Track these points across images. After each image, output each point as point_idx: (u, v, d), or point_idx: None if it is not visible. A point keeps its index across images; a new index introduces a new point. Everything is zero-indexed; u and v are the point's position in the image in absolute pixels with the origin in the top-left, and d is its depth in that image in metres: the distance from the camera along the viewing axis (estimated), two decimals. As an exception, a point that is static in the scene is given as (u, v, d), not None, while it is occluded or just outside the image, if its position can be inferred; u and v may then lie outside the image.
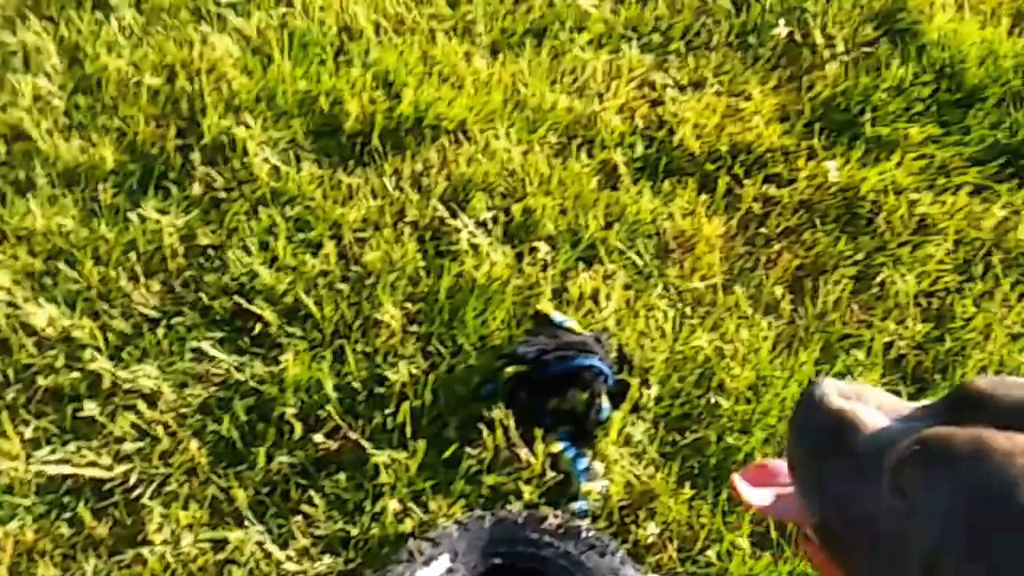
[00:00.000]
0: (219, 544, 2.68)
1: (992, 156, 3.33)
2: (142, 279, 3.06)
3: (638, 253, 3.09)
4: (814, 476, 2.05)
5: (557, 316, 2.96)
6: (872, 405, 2.03)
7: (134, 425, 2.81)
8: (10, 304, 3.00)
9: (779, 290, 3.03)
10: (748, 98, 3.45)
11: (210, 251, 3.13)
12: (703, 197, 3.23)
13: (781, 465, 2.21)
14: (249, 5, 3.73)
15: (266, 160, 3.27)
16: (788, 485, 2.18)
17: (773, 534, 2.64)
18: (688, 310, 3.00)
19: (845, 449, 1.99)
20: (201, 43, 3.57)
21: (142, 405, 2.84)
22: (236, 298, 3.03)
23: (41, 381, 2.88)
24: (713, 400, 2.82)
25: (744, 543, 2.60)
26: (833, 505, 2.02)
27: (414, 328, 2.98)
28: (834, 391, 1.99)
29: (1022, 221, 3.16)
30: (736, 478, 2.25)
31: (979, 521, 1.80)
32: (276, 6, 3.74)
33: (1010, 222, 3.17)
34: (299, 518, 2.69)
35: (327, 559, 2.65)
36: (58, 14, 3.67)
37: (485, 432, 2.76)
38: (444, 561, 2.56)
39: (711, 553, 2.61)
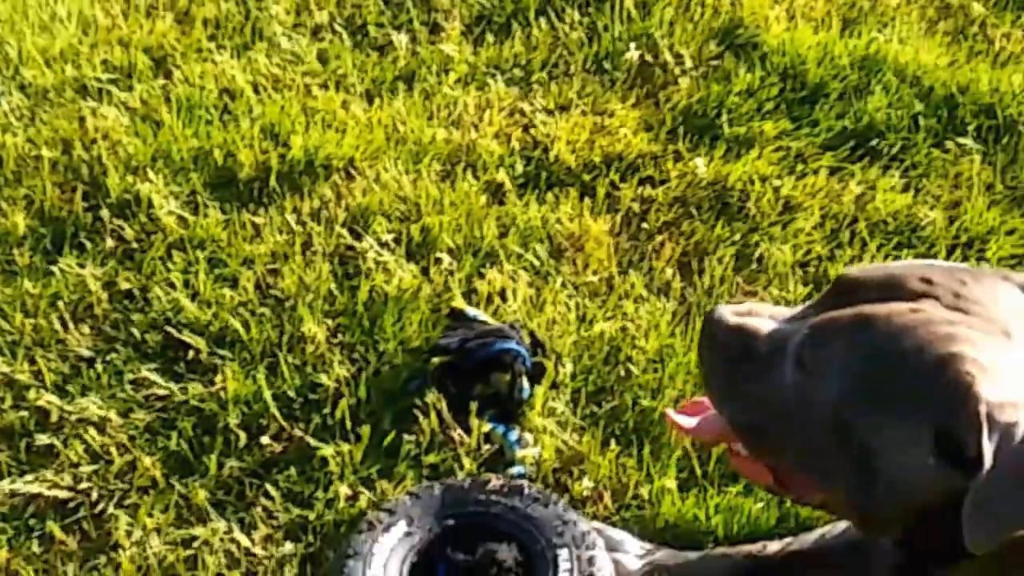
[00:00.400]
0: (187, 541, 2.95)
1: (842, 142, 3.80)
2: (71, 325, 3.34)
3: (535, 255, 3.47)
4: (727, 387, 2.47)
5: (471, 311, 3.33)
6: (764, 316, 2.46)
7: (87, 450, 3.08)
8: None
9: (669, 271, 3.44)
10: (612, 115, 3.88)
11: (134, 293, 3.43)
12: (586, 202, 3.63)
13: (707, 400, 2.62)
14: (130, 80, 4.06)
15: (171, 212, 3.58)
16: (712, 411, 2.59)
17: (698, 472, 3.02)
18: (588, 299, 3.39)
19: (749, 355, 2.41)
20: (92, 115, 3.88)
21: (92, 432, 3.10)
22: (166, 328, 3.33)
23: (-11, 421, 3.15)
24: (623, 372, 3.21)
25: (672, 484, 2.98)
26: (749, 406, 2.44)
27: (338, 339, 3.31)
28: (728, 311, 2.43)
29: (879, 192, 3.63)
30: (669, 411, 2.65)
31: (870, 371, 2.22)
32: (155, 78, 4.07)
33: (867, 196, 3.63)
34: (258, 510, 2.98)
35: (289, 545, 2.93)
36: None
37: (420, 418, 3.09)
38: (402, 526, 2.87)
39: (643, 492, 2.97)
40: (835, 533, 2.83)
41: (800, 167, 3.73)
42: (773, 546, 2.88)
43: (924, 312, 2.29)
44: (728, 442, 2.63)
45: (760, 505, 2.93)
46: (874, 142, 3.85)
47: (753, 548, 2.89)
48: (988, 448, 2.16)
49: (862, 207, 3.61)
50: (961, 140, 3.85)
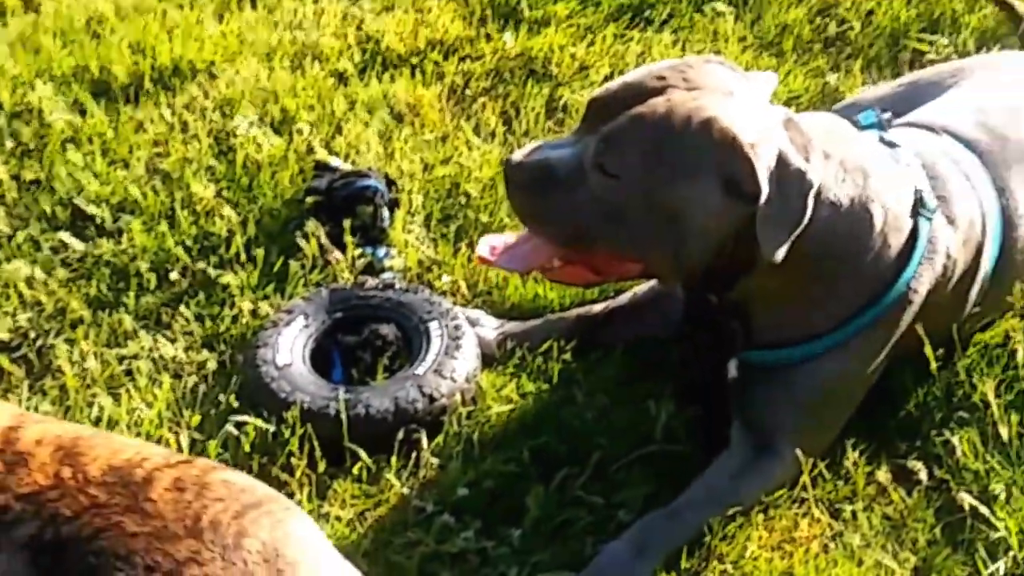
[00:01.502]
0: (121, 359, 3.56)
1: (621, 15, 4.63)
2: (-15, 213, 3.96)
3: (381, 121, 4.22)
4: (541, 213, 3.20)
5: (334, 161, 4.03)
6: (545, 149, 3.21)
7: (21, 300, 3.68)
8: None
9: (492, 123, 4.22)
10: (430, 11, 4.66)
11: (39, 180, 4.07)
12: (417, 77, 4.39)
13: (506, 236, 3.30)
14: (4, 17, 4.71)
15: (59, 117, 4.25)
16: (514, 244, 3.28)
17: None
18: (427, 150, 4.15)
19: (551, 182, 3.15)
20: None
21: (22, 287, 3.66)
22: (73, 203, 3.99)
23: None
24: (463, 200, 3.97)
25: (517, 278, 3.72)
26: (564, 221, 3.17)
27: (223, 196, 4.01)
28: (519, 154, 3.17)
29: (655, 50, 4.45)
30: (479, 248, 3.29)
31: (660, 155, 2.98)
32: (25, 14, 4.73)
33: (645, 53, 4.46)
34: (176, 328, 3.64)
35: (206, 352, 3.61)
36: None
37: (303, 244, 3.79)
38: (300, 321, 3.49)
39: (492, 279, 3.73)
40: (642, 291, 3.60)
41: (590, 36, 4.52)
42: (597, 307, 3.63)
43: (673, 97, 3.08)
44: (536, 268, 3.29)
45: (584, 282, 3.66)
46: (647, 13, 4.67)
47: (581, 311, 3.63)
48: (763, 176, 2.95)
49: (642, 61, 4.42)
50: (717, 5, 4.71)
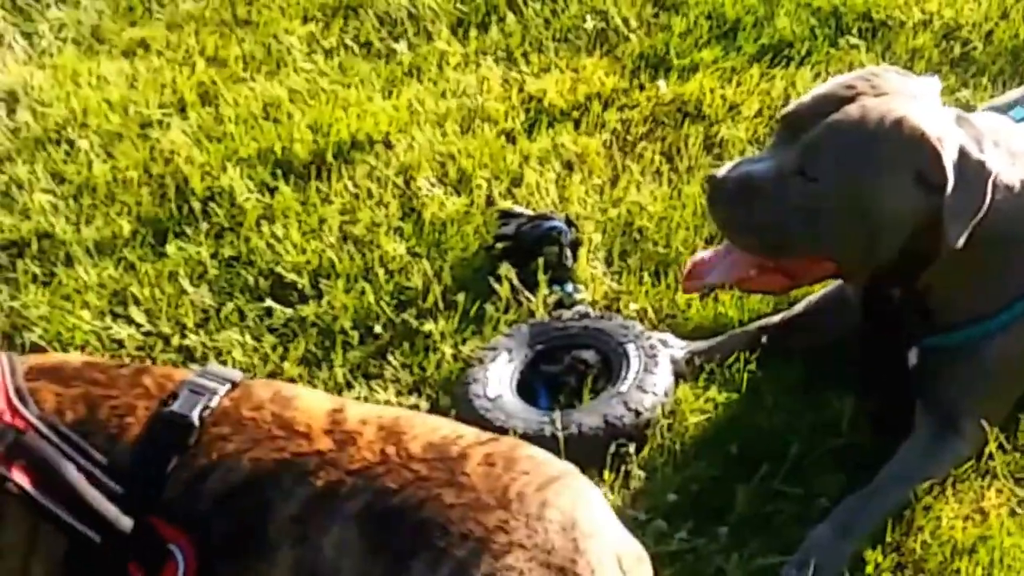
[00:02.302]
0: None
1: (762, 56, 4.97)
2: (191, 289, 4.26)
3: (553, 170, 4.57)
4: (744, 224, 3.48)
5: (517, 208, 4.36)
6: (745, 164, 3.52)
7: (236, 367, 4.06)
8: None
9: (656, 164, 4.55)
10: (584, 68, 5.03)
11: (239, 255, 4.41)
12: (581, 128, 4.76)
13: (704, 254, 3.57)
14: (184, 113, 5.12)
15: (248, 197, 4.62)
16: (714, 259, 3.55)
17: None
18: (599, 193, 4.49)
19: (756, 192, 3.45)
20: (157, 141, 4.94)
21: (236, 353, 3.99)
22: (275, 271, 4.35)
23: None
24: (637, 235, 4.29)
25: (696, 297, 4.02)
26: (767, 229, 3.46)
27: (416, 252, 4.34)
28: (723, 170, 3.49)
29: (798, 85, 4.77)
30: (687, 273, 3.58)
31: (856, 156, 3.25)
32: (204, 107, 5.12)
33: (789, 89, 4.79)
34: (387, 376, 3.98)
35: (415, 397, 3.88)
36: None
37: (496, 288, 4.10)
38: (504, 356, 3.77)
39: (679, 302, 4.04)
40: (815, 298, 3.87)
41: (736, 78, 4.84)
42: (775, 318, 3.90)
43: (865, 103, 3.39)
44: (737, 278, 3.58)
45: (758, 296, 3.97)
46: (786, 51, 5.00)
47: (761, 323, 3.88)
48: (949, 167, 3.20)
49: (787, 97, 4.73)
50: (850, 40, 5.04)
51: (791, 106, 3.45)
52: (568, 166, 4.50)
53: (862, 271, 3.40)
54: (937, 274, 3.35)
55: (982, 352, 3.38)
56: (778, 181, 3.30)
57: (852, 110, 3.28)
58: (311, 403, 2.47)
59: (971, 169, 3.17)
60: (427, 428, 2.41)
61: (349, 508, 2.29)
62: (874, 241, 3.28)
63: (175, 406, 2.45)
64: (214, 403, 2.46)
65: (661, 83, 4.72)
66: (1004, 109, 3.78)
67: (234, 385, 2.50)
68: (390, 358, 3.91)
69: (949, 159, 3.16)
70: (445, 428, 2.44)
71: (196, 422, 2.42)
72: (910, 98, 3.31)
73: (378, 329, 4.01)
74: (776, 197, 3.31)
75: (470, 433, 2.42)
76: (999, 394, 3.42)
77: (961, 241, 3.17)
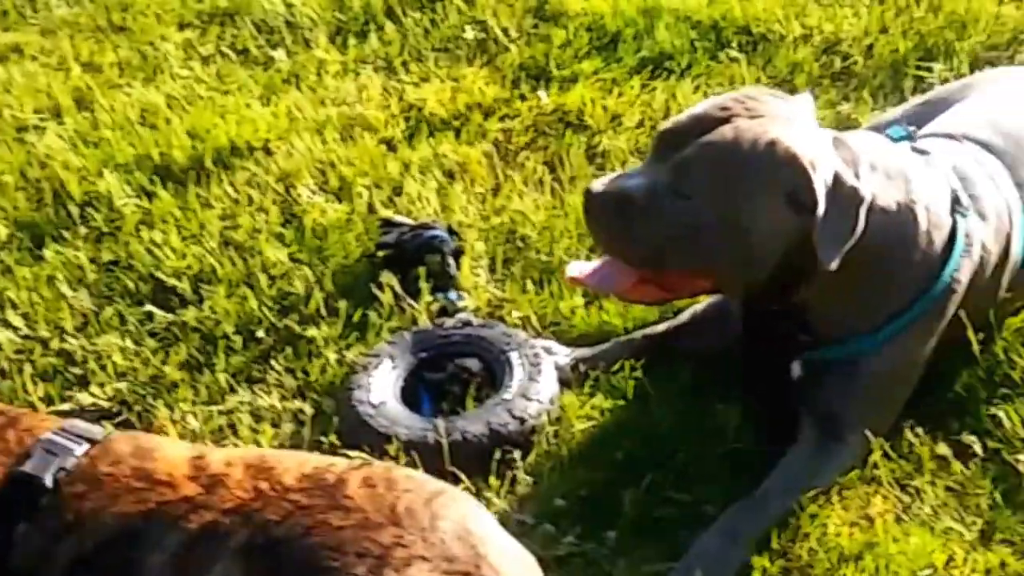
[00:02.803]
0: (222, 413, 3.74)
1: (643, 67, 4.95)
2: (70, 293, 4.15)
3: (434, 178, 4.48)
4: (619, 238, 3.44)
5: (399, 217, 4.29)
6: (620, 178, 3.47)
7: (116, 370, 3.90)
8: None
9: (538, 170, 4.49)
10: (465, 78, 4.95)
11: (119, 261, 4.29)
12: (462, 136, 4.67)
13: (582, 264, 3.52)
14: (60, 117, 4.97)
15: (130, 202, 4.49)
16: (600, 267, 3.48)
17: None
18: (481, 202, 4.41)
19: (630, 207, 3.41)
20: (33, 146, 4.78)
21: (116, 357, 3.88)
22: (156, 276, 4.22)
23: None
24: (521, 243, 4.22)
25: (579, 302, 3.96)
26: (642, 243, 3.42)
27: (297, 259, 4.23)
28: (598, 184, 3.44)
29: (679, 97, 4.73)
30: (568, 271, 3.53)
31: (730, 175, 3.23)
32: (79, 112, 4.98)
33: (671, 101, 4.74)
34: (270, 381, 3.86)
35: (299, 401, 3.76)
36: None
37: (379, 295, 4.01)
38: (387, 363, 3.71)
39: (563, 309, 3.97)
40: (700, 308, 3.84)
41: (616, 89, 4.79)
42: (660, 327, 3.85)
43: (739, 124, 3.36)
44: (621, 288, 3.50)
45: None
46: (667, 64, 4.94)
47: (646, 331, 3.84)
48: (820, 190, 3.20)
49: (668, 109, 4.69)
50: (730, 52, 4.99)
51: (667, 124, 3.43)
52: (450, 175, 4.44)
53: (737, 288, 3.39)
54: (815, 291, 3.33)
55: (864, 365, 3.37)
56: (652, 197, 3.27)
57: (726, 131, 3.26)
58: (172, 452, 2.43)
59: (843, 194, 3.17)
60: (296, 461, 2.39)
61: (230, 544, 2.24)
62: (747, 260, 3.26)
63: (28, 466, 2.37)
64: (70, 463, 2.39)
65: (542, 93, 4.67)
66: (885, 127, 3.74)
67: (93, 443, 2.43)
68: (273, 363, 3.82)
69: (821, 182, 3.15)
70: (314, 460, 2.42)
71: (49, 483, 2.34)
72: (784, 120, 3.29)
73: (260, 334, 3.93)
74: (651, 213, 3.27)
75: (340, 461, 2.41)
76: (882, 405, 3.42)
77: (835, 264, 3.16)
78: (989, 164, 3.58)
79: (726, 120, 3.28)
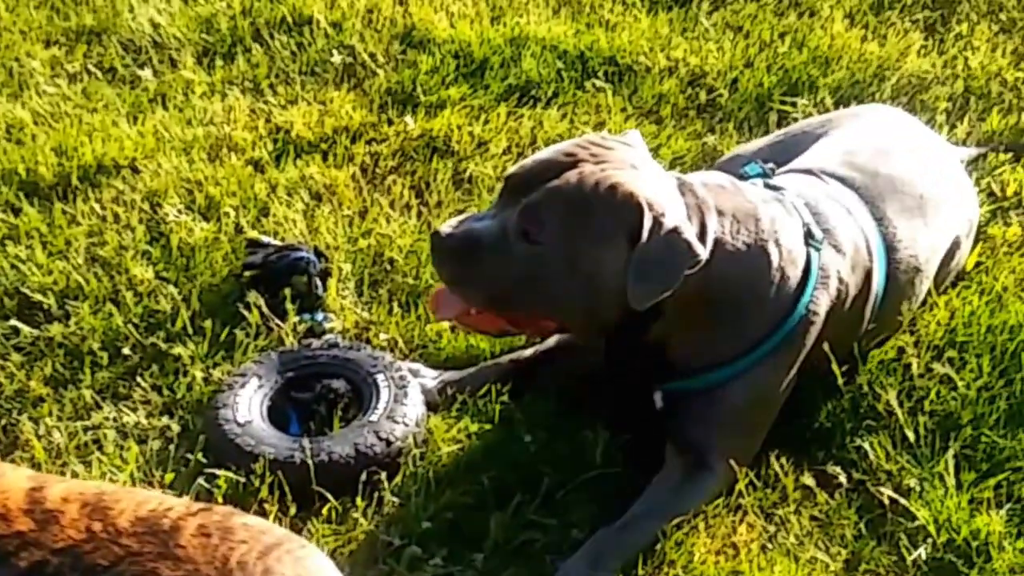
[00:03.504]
0: (87, 428, 3.62)
1: (510, 95, 4.88)
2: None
3: (302, 200, 4.38)
4: (463, 278, 3.37)
5: (265, 238, 4.18)
6: (468, 221, 3.42)
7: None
8: None
9: (405, 194, 4.40)
10: (332, 102, 4.84)
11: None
12: (329, 160, 4.57)
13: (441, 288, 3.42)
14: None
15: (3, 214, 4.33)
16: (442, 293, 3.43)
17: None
18: (348, 224, 4.32)
19: (477, 249, 3.34)
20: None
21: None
22: (20, 290, 4.06)
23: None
24: (388, 266, 4.14)
25: (445, 326, 3.90)
26: (485, 284, 3.36)
27: (164, 277, 4.11)
28: (446, 227, 3.38)
29: (545, 124, 4.68)
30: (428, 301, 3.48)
31: (576, 220, 3.19)
32: (-55, 127, 4.80)
33: (537, 127, 4.69)
34: (136, 398, 3.75)
35: (166, 418, 3.68)
36: None
37: (246, 315, 3.91)
38: (254, 382, 3.63)
39: (429, 333, 3.89)
40: (566, 336, 3.78)
41: (483, 116, 4.73)
42: (527, 352, 3.80)
43: (584, 171, 3.32)
44: (454, 318, 3.48)
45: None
46: (533, 92, 4.88)
47: (513, 356, 3.79)
48: (647, 225, 3.13)
49: (534, 136, 4.64)
50: (596, 82, 4.94)
51: (514, 168, 3.40)
52: (317, 197, 4.35)
53: (583, 330, 3.39)
54: (670, 327, 3.31)
55: (723, 395, 3.36)
56: (501, 241, 3.24)
57: (571, 175, 3.24)
58: (12, 481, 2.31)
59: (678, 249, 3.15)
60: (134, 502, 2.28)
61: None
62: (594, 303, 3.24)
63: None
64: None
65: (408, 119, 4.58)
66: (740, 162, 3.75)
67: None
68: (140, 380, 3.72)
69: (650, 218, 3.14)
70: (152, 501, 2.31)
71: None
72: (628, 165, 3.28)
73: (127, 351, 3.82)
74: (498, 257, 3.24)
75: (179, 504, 2.31)
76: (744, 434, 3.41)
77: (642, 306, 3.16)
78: (845, 198, 3.58)
79: (573, 165, 3.25)
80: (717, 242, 3.22)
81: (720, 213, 3.26)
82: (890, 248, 3.54)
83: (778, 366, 3.39)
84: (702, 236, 3.20)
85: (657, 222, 3.14)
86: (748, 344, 3.35)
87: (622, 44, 5.01)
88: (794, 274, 3.32)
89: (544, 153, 3.37)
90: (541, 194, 3.22)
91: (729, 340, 3.36)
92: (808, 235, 3.36)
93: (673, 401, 3.42)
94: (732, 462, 3.31)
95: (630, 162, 3.29)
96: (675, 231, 3.13)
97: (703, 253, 3.14)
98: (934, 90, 4.80)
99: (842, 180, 3.65)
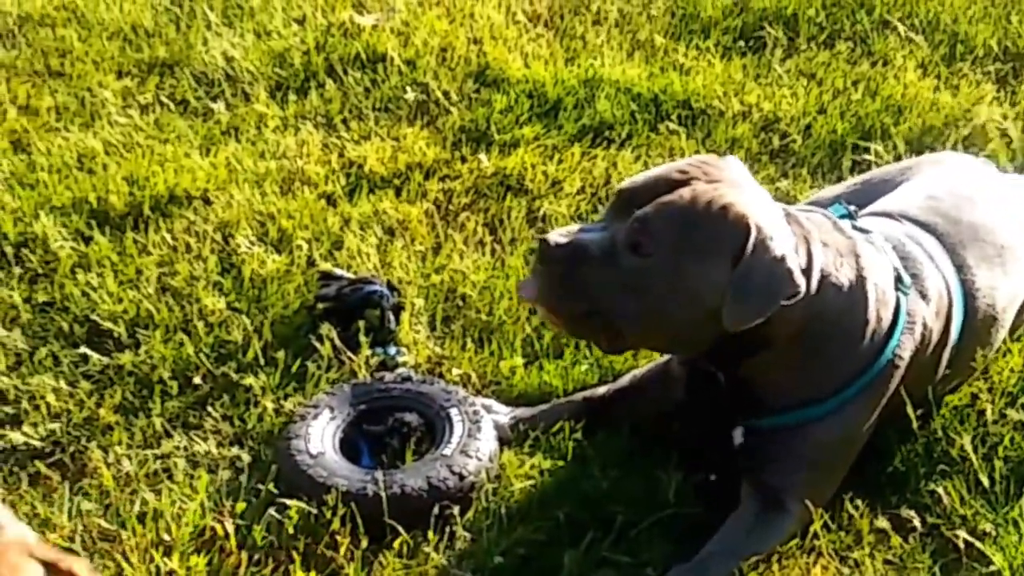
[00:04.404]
0: (157, 457, 3.68)
1: (584, 136, 4.92)
2: (3, 331, 4.06)
3: (374, 234, 4.42)
4: (565, 290, 3.36)
5: (337, 271, 4.21)
6: (581, 231, 3.43)
7: (49, 411, 3.78)
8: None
9: (479, 234, 4.43)
10: (405, 138, 4.89)
11: (53, 302, 4.20)
12: (402, 196, 4.61)
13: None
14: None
15: (63, 245, 4.38)
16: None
17: (537, 348, 3.97)
18: (421, 259, 4.35)
19: (586, 259, 3.36)
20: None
21: (50, 398, 3.78)
22: (91, 319, 4.11)
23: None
24: (460, 301, 4.16)
25: (519, 362, 3.90)
26: (588, 297, 3.34)
27: (235, 308, 4.14)
28: (555, 235, 3.40)
29: (620, 166, 4.71)
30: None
31: (685, 236, 3.23)
32: (15, 154, 4.86)
33: (611, 169, 4.72)
34: (207, 427, 3.77)
35: (236, 448, 3.72)
36: None
37: (319, 347, 3.94)
38: (326, 413, 3.64)
39: (503, 369, 3.91)
40: (641, 372, 3.80)
41: (557, 155, 4.76)
42: (601, 389, 3.81)
43: (697, 188, 3.35)
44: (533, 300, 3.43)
45: (584, 367, 3.88)
46: (607, 133, 4.92)
47: (586, 393, 3.80)
48: (749, 248, 3.14)
49: (608, 177, 4.67)
50: (670, 125, 4.97)
51: (626, 182, 3.41)
52: (390, 232, 4.38)
53: (678, 348, 3.44)
54: (763, 361, 3.31)
55: (807, 435, 3.36)
56: (609, 253, 3.24)
57: (684, 192, 3.25)
58: None
59: (772, 262, 3.17)
60: None
61: None
62: (692, 321, 3.24)
63: None
64: None
65: (483, 156, 4.62)
66: (826, 204, 3.74)
67: None
68: (210, 409, 3.73)
69: (751, 243, 3.15)
70: None
71: None
72: (740, 187, 3.28)
73: (197, 380, 3.83)
74: (606, 267, 3.24)
75: None
76: (823, 476, 3.40)
77: (739, 326, 3.17)
78: (928, 243, 3.58)
79: (685, 183, 3.25)
80: (822, 275, 3.21)
81: (824, 245, 3.27)
82: (968, 296, 3.56)
83: (864, 408, 3.39)
84: (808, 268, 3.21)
85: (763, 244, 3.15)
86: (838, 384, 3.36)
87: (696, 88, 5.03)
88: (886, 317, 3.36)
89: (657, 170, 3.39)
90: (654, 208, 3.23)
91: (821, 379, 3.36)
92: (898, 279, 3.37)
93: (753, 438, 3.42)
94: (809, 503, 3.29)
95: (740, 181, 3.31)
96: (780, 259, 3.13)
97: (802, 285, 3.15)
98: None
99: (923, 225, 3.66)
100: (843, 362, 3.34)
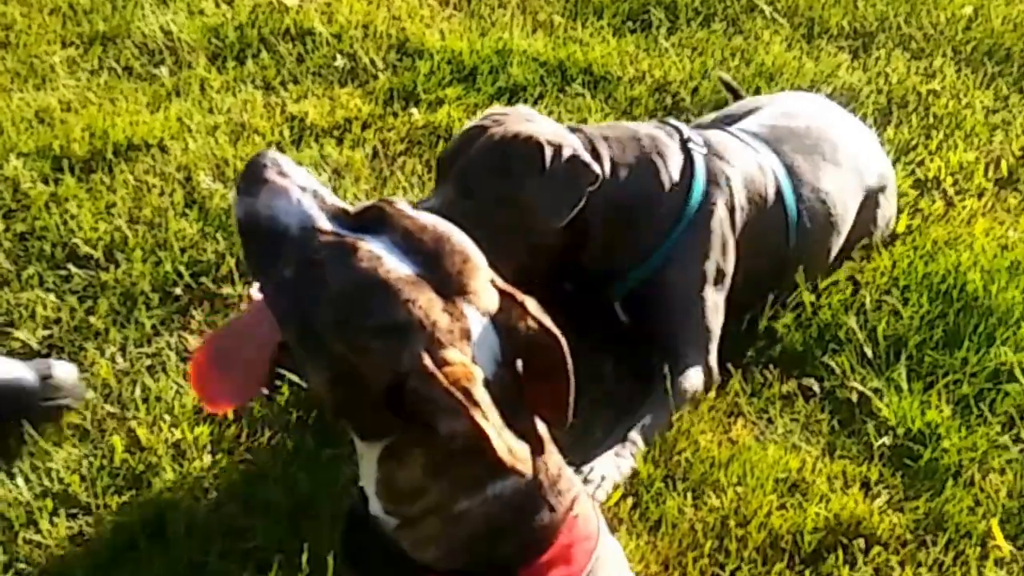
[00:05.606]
0: (149, 355, 4.24)
1: (500, 96, 5.54)
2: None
3: (326, 176, 5.00)
4: None
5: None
6: (421, 206, 3.77)
7: (43, 321, 4.32)
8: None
9: (418, 169, 5.02)
10: (339, 97, 5.50)
11: (33, 231, 4.66)
12: (344, 144, 5.21)
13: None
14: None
15: (36, 185, 4.87)
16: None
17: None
18: (373, 191, 4.93)
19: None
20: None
21: (39, 309, 4.28)
22: (70, 243, 4.61)
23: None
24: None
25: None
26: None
27: (205, 232, 4.69)
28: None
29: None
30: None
31: (493, 168, 3.94)
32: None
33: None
34: (192, 326, 4.31)
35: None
36: None
37: (287, 262, 4.51)
38: None
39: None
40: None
41: (479, 112, 5.29)
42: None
43: (493, 131, 4.00)
44: None
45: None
46: (520, 95, 5.59)
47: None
48: (547, 158, 3.95)
49: (527, 129, 5.31)
50: (576, 88, 5.68)
51: (441, 152, 4.13)
52: (337, 172, 4.92)
53: (537, 261, 3.98)
54: (599, 241, 4.06)
55: (662, 279, 4.07)
56: (446, 209, 3.67)
57: (481, 139, 3.97)
58: None
59: (571, 163, 3.87)
60: None
61: None
62: (532, 235, 3.93)
63: None
64: None
65: (414, 110, 5.20)
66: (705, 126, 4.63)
67: None
68: (193, 314, 4.23)
69: (549, 153, 3.89)
70: None
71: None
72: (523, 120, 4.04)
73: (178, 292, 4.31)
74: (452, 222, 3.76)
75: None
76: (701, 323, 4.11)
77: (562, 220, 3.90)
78: (752, 142, 4.36)
79: (483, 132, 3.98)
80: (612, 162, 4.00)
81: (606, 139, 4.04)
82: (793, 175, 4.34)
83: (695, 251, 4.11)
84: (598, 158, 3.96)
85: (557, 152, 3.88)
86: (662, 235, 4.10)
87: (595, 57, 5.69)
88: (677, 168, 4.12)
89: (459, 133, 4.10)
90: (465, 159, 3.94)
91: (647, 236, 4.09)
92: (687, 140, 4.16)
93: (631, 309, 4.12)
94: (699, 350, 4.02)
95: (525, 117, 4.03)
96: (573, 157, 3.88)
97: (598, 170, 3.89)
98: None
99: (752, 134, 4.45)
100: (659, 215, 4.08)
